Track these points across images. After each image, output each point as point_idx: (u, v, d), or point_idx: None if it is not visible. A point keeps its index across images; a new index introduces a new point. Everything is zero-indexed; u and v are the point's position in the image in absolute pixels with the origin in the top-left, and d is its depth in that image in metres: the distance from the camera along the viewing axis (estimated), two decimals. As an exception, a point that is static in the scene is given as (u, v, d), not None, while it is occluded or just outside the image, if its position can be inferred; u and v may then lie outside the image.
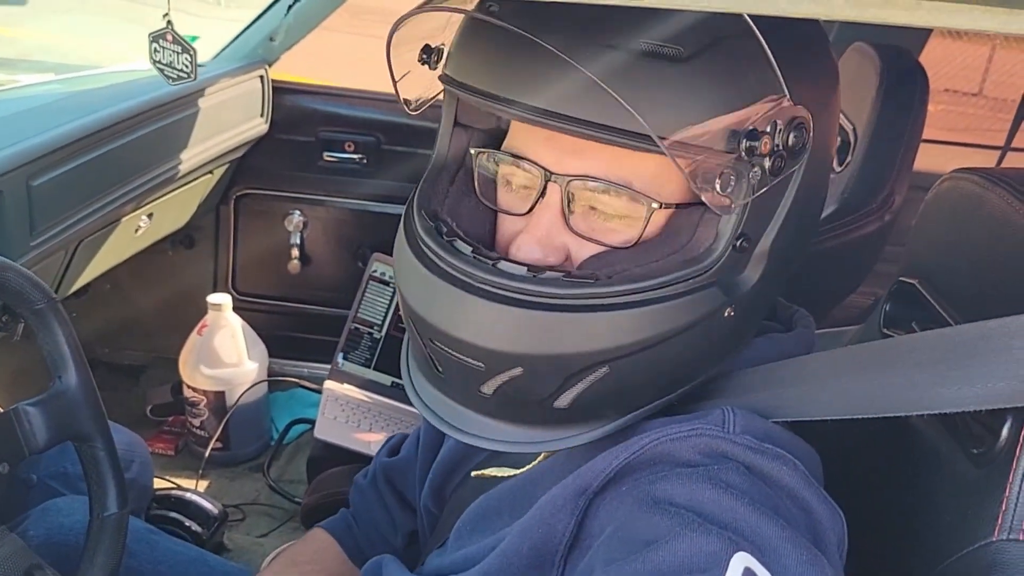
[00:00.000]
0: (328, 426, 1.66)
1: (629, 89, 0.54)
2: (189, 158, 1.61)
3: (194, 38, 1.08)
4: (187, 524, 1.45)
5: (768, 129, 0.57)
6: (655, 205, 0.61)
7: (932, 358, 0.58)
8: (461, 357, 0.61)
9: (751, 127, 0.56)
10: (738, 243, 0.61)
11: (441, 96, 0.70)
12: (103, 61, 2.01)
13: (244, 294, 2.03)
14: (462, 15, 0.65)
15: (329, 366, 1.75)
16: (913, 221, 0.84)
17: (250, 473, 1.78)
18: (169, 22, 1.03)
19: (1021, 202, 0.68)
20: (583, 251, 0.63)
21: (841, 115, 1.58)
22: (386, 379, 1.73)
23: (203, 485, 1.72)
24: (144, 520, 1.31)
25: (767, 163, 0.57)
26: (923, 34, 1.90)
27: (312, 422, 1.74)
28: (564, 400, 0.62)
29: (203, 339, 1.73)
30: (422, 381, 0.69)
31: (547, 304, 0.59)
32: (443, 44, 0.66)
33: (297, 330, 2.05)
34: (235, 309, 1.77)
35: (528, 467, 0.72)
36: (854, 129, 1.54)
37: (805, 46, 0.62)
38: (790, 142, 0.58)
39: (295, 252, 1.98)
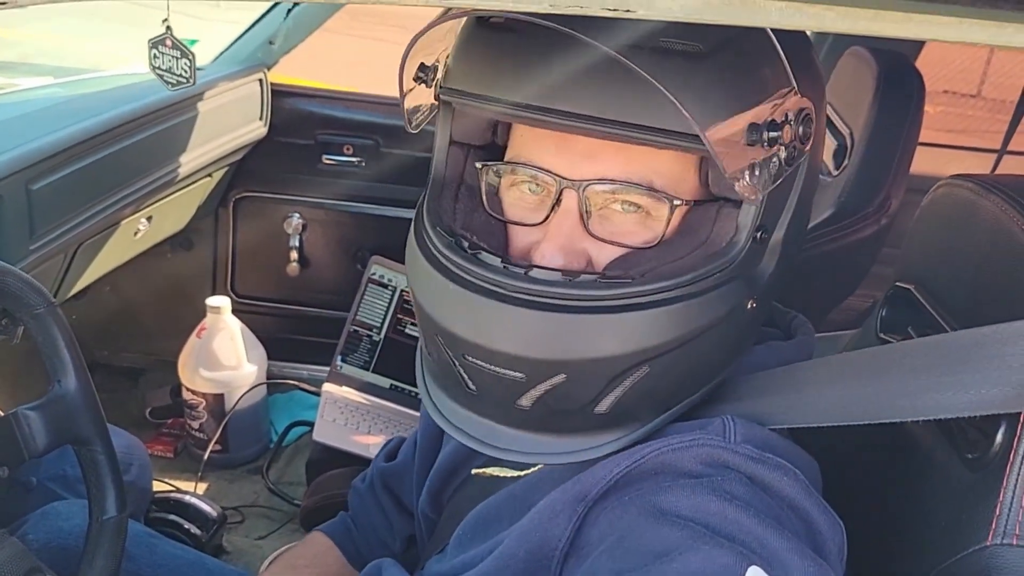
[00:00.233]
0: (327, 428, 1.66)
1: (648, 87, 0.53)
2: (188, 161, 1.62)
3: (193, 42, 1.08)
4: (186, 527, 1.45)
5: (784, 120, 0.58)
6: (676, 202, 0.61)
7: (927, 364, 0.58)
8: (499, 370, 0.60)
9: (771, 118, 0.57)
10: (758, 235, 0.62)
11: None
12: (102, 64, 2.01)
13: (243, 297, 2.03)
14: (457, 29, 0.65)
15: (328, 369, 1.75)
16: (910, 224, 0.85)
17: (249, 475, 1.79)
18: (168, 27, 1.03)
19: (1015, 209, 0.68)
20: (604, 255, 0.63)
21: (839, 119, 1.59)
22: (385, 382, 1.73)
23: (202, 487, 1.72)
24: (143, 523, 1.31)
25: (783, 153, 0.59)
26: (920, 37, 1.91)
27: (311, 424, 1.74)
28: (605, 404, 0.61)
29: (202, 342, 1.73)
30: (446, 400, 0.67)
31: (585, 307, 0.58)
32: (437, 61, 0.66)
33: (296, 332, 2.05)
34: (234, 312, 1.77)
35: (530, 470, 0.72)
36: (851, 133, 1.54)
37: (800, 40, 0.64)
38: (800, 132, 0.60)
39: (294, 255, 1.98)
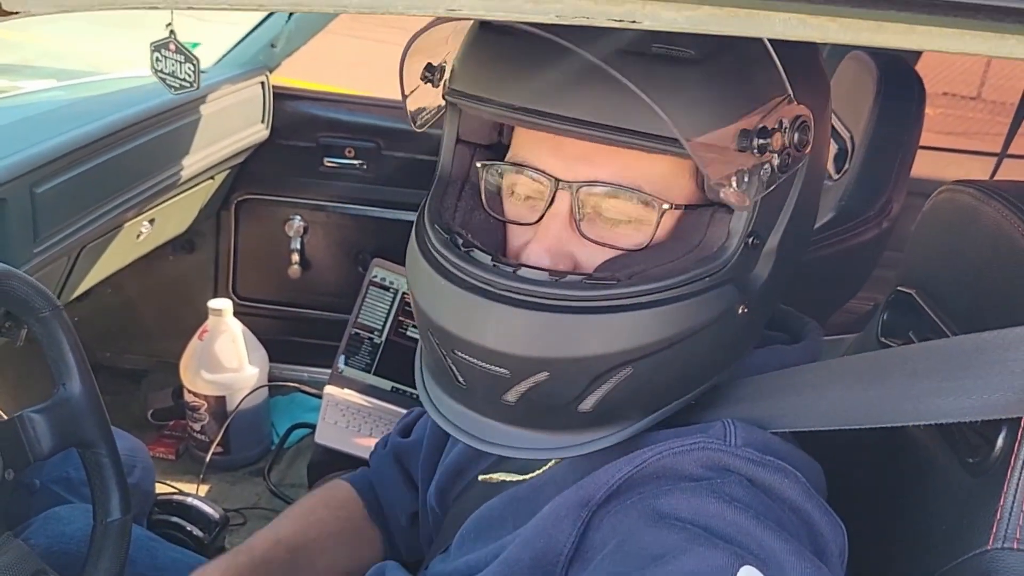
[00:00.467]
0: (328, 431, 1.67)
1: (644, 92, 0.55)
2: (191, 164, 1.62)
3: (195, 45, 1.08)
4: (188, 529, 1.45)
5: (777, 127, 0.58)
6: (666, 207, 0.62)
7: (929, 369, 0.59)
8: (485, 366, 0.61)
9: (762, 125, 0.57)
10: (750, 240, 0.62)
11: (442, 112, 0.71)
12: (104, 67, 2.01)
13: (245, 299, 2.03)
14: (463, 31, 0.66)
15: (329, 371, 1.76)
16: (912, 227, 0.85)
17: (251, 477, 1.79)
18: (172, 32, 1.04)
19: (1016, 215, 0.69)
20: (593, 257, 0.64)
21: (839, 123, 1.60)
22: (386, 384, 1.74)
23: (204, 489, 1.73)
24: (146, 525, 1.31)
25: (776, 160, 0.59)
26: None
27: (312, 427, 1.75)
28: (588, 403, 0.62)
29: (204, 344, 1.74)
30: (441, 395, 0.69)
31: (570, 307, 0.59)
32: (444, 62, 0.67)
33: (297, 335, 2.06)
34: (236, 314, 1.78)
35: (534, 473, 0.73)
36: (851, 137, 1.55)
37: (800, 47, 0.63)
38: (795, 139, 0.60)
39: (295, 257, 1.99)
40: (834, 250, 1.43)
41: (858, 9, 0.41)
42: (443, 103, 0.69)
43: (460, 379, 0.64)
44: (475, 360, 0.62)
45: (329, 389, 1.72)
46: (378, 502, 0.98)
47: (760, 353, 0.71)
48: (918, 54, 1.92)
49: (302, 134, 1.92)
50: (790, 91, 0.59)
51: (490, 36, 0.63)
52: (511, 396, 0.62)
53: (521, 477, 0.74)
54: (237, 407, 1.74)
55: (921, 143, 1.55)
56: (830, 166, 1.59)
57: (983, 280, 0.73)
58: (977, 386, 0.55)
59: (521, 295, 0.60)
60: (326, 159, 1.93)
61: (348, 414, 1.69)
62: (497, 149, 0.72)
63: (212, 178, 1.78)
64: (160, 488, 1.58)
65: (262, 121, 1.86)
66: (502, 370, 0.61)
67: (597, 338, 0.60)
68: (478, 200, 0.70)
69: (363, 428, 1.67)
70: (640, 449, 0.63)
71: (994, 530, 0.60)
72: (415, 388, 0.73)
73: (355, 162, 1.93)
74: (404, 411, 1.68)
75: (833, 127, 1.59)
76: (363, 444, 1.64)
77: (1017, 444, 0.60)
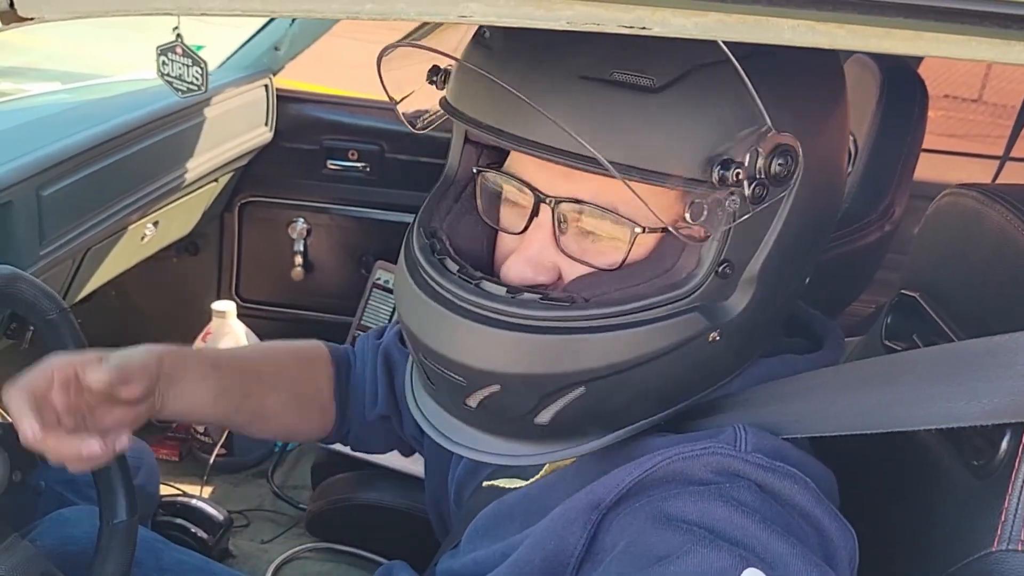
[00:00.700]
0: (332, 433, 1.67)
1: (595, 118, 0.56)
2: (195, 167, 1.63)
3: (199, 47, 1.08)
4: (193, 530, 1.45)
5: (747, 158, 0.56)
6: (637, 229, 0.61)
7: (938, 373, 0.59)
8: (446, 372, 0.63)
9: (725, 157, 0.56)
10: (720, 269, 0.61)
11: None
12: (109, 70, 2.02)
13: (248, 301, 2.04)
14: (473, 36, 0.66)
15: (333, 373, 1.76)
16: (915, 230, 0.86)
17: (254, 479, 1.79)
18: (179, 35, 1.04)
19: (1020, 219, 0.69)
20: (573, 271, 0.64)
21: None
22: (389, 386, 1.74)
23: (207, 491, 1.73)
24: (150, 526, 1.31)
25: (747, 191, 0.57)
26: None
27: (316, 429, 1.75)
28: (544, 417, 0.63)
29: (207, 346, 1.74)
30: (420, 390, 0.72)
31: (523, 325, 0.60)
32: (450, 66, 0.67)
33: (300, 337, 2.05)
34: (239, 316, 1.78)
35: (535, 479, 0.74)
36: (854, 140, 1.55)
37: (793, 70, 0.61)
38: (773, 170, 0.57)
39: (299, 259, 1.99)
40: (836, 253, 1.43)
41: (866, 16, 0.41)
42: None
43: (429, 380, 0.67)
44: (437, 365, 0.64)
45: (332, 391, 1.72)
46: (347, 381, 0.97)
47: (770, 362, 0.70)
48: (921, 57, 1.93)
49: (305, 137, 1.93)
50: (768, 120, 0.56)
51: (477, 49, 0.64)
52: (472, 401, 0.64)
53: (522, 483, 0.75)
54: (241, 409, 1.74)
55: (923, 146, 1.55)
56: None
57: (987, 283, 0.73)
58: (987, 390, 0.56)
59: (477, 309, 0.61)
60: (329, 161, 1.94)
61: (351, 416, 1.69)
62: (503, 151, 0.73)
63: (216, 180, 1.79)
64: (164, 490, 1.58)
65: (266, 124, 1.86)
66: (459, 378, 0.63)
67: (546, 358, 0.60)
68: (473, 204, 0.71)
69: (366, 430, 1.68)
70: (650, 453, 0.63)
71: (999, 532, 0.60)
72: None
73: (358, 164, 1.93)
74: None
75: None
76: (366, 446, 1.65)
77: (1022, 447, 0.60)
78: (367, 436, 0.98)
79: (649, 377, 0.62)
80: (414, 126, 0.72)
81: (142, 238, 1.62)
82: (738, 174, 0.55)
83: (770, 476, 0.60)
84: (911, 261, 0.86)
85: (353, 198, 1.96)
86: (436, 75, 0.68)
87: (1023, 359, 0.55)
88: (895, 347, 0.81)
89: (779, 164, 0.57)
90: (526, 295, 0.61)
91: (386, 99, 0.68)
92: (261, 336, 1.82)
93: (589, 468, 0.67)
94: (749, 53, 0.52)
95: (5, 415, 1.33)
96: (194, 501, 1.53)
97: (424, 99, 0.71)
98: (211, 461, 1.75)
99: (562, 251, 0.64)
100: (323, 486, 1.59)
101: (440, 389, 0.67)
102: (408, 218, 0.71)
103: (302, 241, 1.98)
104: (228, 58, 1.84)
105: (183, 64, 1.03)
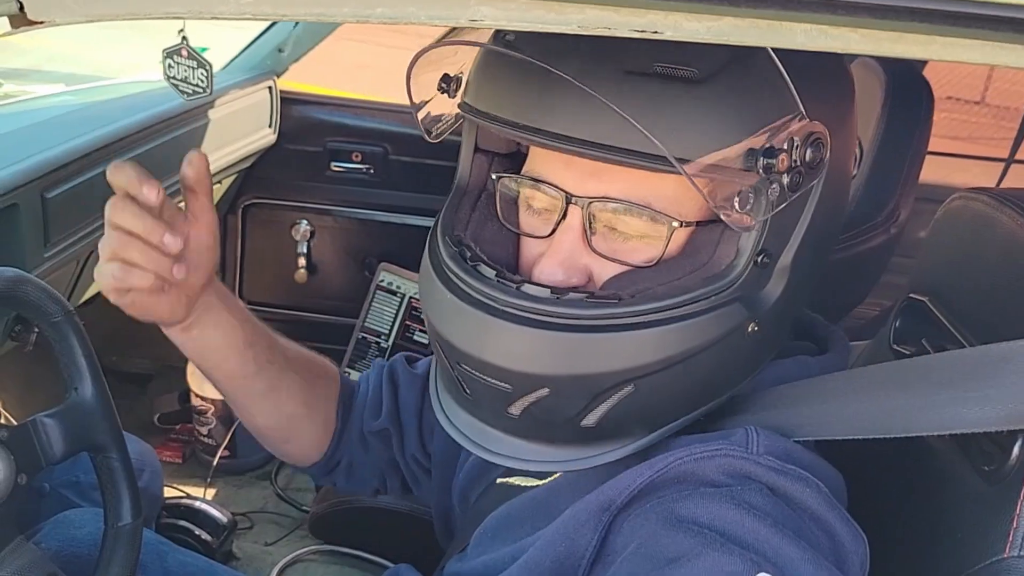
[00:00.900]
0: (336, 435, 1.66)
1: (645, 113, 0.55)
2: (199, 169, 1.62)
3: (203, 49, 1.08)
4: (197, 533, 1.45)
5: (785, 146, 0.57)
6: (675, 224, 0.61)
7: (952, 378, 0.59)
8: (488, 379, 0.62)
9: (768, 145, 0.57)
10: (759, 259, 0.62)
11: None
12: (112, 71, 2.02)
13: (251, 303, 2.01)
14: (493, 40, 0.66)
15: (336, 375, 1.75)
16: (921, 233, 0.85)
17: (257, 481, 1.79)
18: (184, 38, 1.04)
19: (1030, 223, 0.69)
20: (605, 271, 0.64)
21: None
22: (393, 388, 1.73)
23: (211, 493, 1.73)
24: (155, 529, 1.31)
25: (785, 179, 0.58)
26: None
27: (319, 431, 1.74)
28: (591, 419, 0.63)
29: (211, 348, 1.74)
30: (450, 402, 0.70)
31: (571, 325, 0.60)
32: (461, 73, 0.67)
33: (304, 339, 2.03)
34: (243, 318, 1.78)
35: (551, 478, 0.73)
36: (859, 143, 1.55)
37: (819, 63, 0.63)
38: (807, 157, 0.59)
39: (302, 261, 1.99)
40: (842, 256, 1.43)
41: (879, 20, 0.41)
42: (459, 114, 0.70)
43: (466, 390, 0.65)
44: (478, 373, 0.63)
45: (336, 393, 1.71)
46: (350, 398, 0.97)
47: (787, 364, 0.70)
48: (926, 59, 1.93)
49: (309, 139, 1.93)
50: (802, 108, 0.58)
51: (495, 54, 0.64)
52: (515, 409, 0.63)
53: (538, 482, 0.74)
54: (244, 411, 1.74)
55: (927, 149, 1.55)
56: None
57: (997, 288, 0.73)
58: (1002, 395, 0.55)
59: (523, 312, 0.60)
60: (333, 163, 1.93)
61: (355, 418, 1.69)
62: (516, 158, 0.73)
63: (219, 182, 1.78)
64: (168, 492, 1.58)
65: (269, 126, 1.86)
66: (504, 384, 0.62)
67: (597, 357, 0.60)
68: (493, 211, 0.71)
69: (370, 432, 1.67)
70: (661, 454, 0.63)
71: (1010, 538, 0.60)
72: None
73: (362, 166, 1.93)
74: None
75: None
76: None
77: (1033, 452, 0.60)
78: (360, 459, 0.96)
79: (695, 371, 0.62)
80: (430, 134, 0.71)
81: (146, 240, 1.62)
82: (783, 162, 0.57)
83: (781, 479, 0.60)
84: (919, 265, 0.86)
85: (357, 200, 1.96)
86: (447, 83, 0.68)
87: (1038, 364, 0.55)
88: (903, 351, 0.81)
89: (812, 152, 0.59)
90: (572, 295, 0.61)
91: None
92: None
93: (600, 469, 0.67)
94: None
95: (9, 418, 1.33)
96: (198, 503, 1.53)
97: (437, 107, 0.71)
98: (215, 463, 1.74)
99: (594, 251, 0.64)
100: (326, 488, 1.58)
101: (479, 399, 0.65)
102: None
103: (306, 243, 1.98)
104: (232, 60, 1.84)
105: (188, 66, 1.02)
